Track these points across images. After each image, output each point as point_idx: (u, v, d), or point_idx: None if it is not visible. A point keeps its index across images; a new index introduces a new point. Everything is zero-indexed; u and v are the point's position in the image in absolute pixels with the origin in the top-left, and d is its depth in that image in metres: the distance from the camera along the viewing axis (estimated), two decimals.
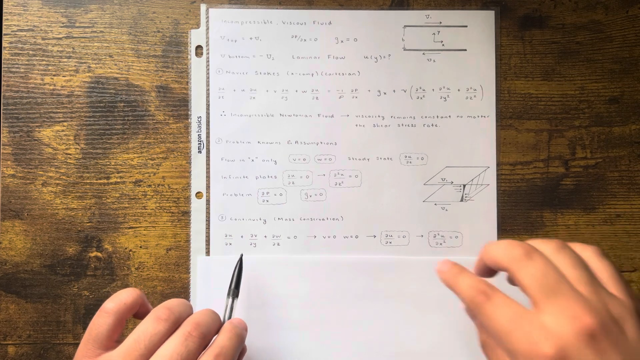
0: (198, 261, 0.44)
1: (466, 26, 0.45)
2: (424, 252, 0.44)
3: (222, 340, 0.35)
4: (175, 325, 0.34)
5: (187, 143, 0.45)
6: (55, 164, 0.44)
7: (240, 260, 0.42)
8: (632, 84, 0.45)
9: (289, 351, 0.44)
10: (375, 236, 0.45)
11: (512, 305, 0.30)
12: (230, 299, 0.40)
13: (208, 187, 0.45)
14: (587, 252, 0.31)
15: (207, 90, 0.45)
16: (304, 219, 0.44)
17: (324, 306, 0.44)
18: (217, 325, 0.36)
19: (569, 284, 0.29)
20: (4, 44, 0.44)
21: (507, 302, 0.30)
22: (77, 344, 0.44)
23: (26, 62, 0.44)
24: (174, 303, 0.35)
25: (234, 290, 0.40)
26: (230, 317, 0.39)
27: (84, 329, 0.44)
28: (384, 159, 0.45)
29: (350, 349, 0.44)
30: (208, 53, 0.45)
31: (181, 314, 0.35)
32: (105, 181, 0.44)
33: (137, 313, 0.36)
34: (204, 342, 0.34)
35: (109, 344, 0.34)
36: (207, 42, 0.45)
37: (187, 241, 0.45)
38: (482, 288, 0.31)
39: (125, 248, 0.44)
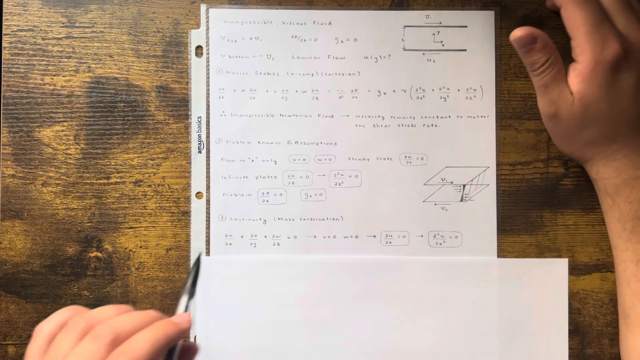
0: None
1: (466, 26, 0.45)
2: (424, 252, 0.45)
3: (135, 336, 0.32)
4: (85, 330, 0.32)
5: (187, 143, 0.45)
6: (55, 164, 0.44)
7: (198, 259, 0.39)
8: None
9: (288, 351, 0.44)
10: (375, 236, 0.45)
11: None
12: (184, 298, 0.37)
13: (208, 187, 0.45)
14: None
15: (207, 90, 0.45)
16: (304, 219, 0.45)
17: (323, 306, 0.44)
18: (135, 324, 0.33)
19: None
20: (4, 44, 0.44)
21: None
22: None
23: (26, 62, 0.44)
24: (95, 309, 0.34)
25: (190, 289, 0.37)
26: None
27: None
28: (384, 159, 0.45)
29: (350, 349, 0.44)
30: (208, 53, 0.45)
31: (94, 318, 0.33)
32: (105, 181, 0.45)
33: None
34: (115, 342, 0.31)
35: None
36: (207, 42, 0.45)
37: (187, 241, 0.45)
38: None
39: (126, 248, 0.44)
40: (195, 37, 0.45)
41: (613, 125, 0.39)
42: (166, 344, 0.33)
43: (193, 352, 0.36)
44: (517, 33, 0.38)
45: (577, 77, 0.39)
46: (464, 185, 0.45)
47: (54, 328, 0.33)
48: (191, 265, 0.40)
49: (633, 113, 0.39)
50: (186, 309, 0.36)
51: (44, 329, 0.34)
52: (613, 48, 0.38)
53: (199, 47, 0.45)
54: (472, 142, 0.45)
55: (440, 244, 0.45)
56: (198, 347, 0.36)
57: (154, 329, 0.32)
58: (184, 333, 0.34)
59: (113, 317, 0.33)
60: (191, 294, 0.37)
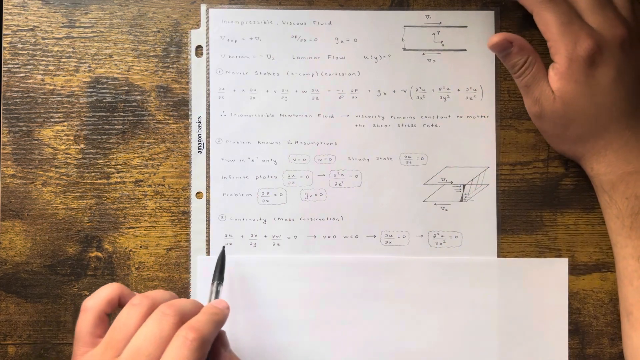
0: (198, 261, 0.44)
1: (466, 26, 0.45)
2: (424, 252, 0.45)
3: (197, 316, 0.34)
4: (150, 309, 0.34)
5: (187, 143, 0.45)
6: (55, 164, 0.44)
7: (223, 251, 0.43)
8: None
9: (288, 351, 0.44)
10: (375, 236, 0.45)
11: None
12: (214, 285, 0.41)
13: (208, 187, 0.45)
14: None
15: (207, 90, 0.45)
16: (304, 219, 0.45)
17: (324, 306, 0.44)
18: (195, 307, 0.35)
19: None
20: (4, 44, 0.44)
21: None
22: None
23: (26, 62, 0.44)
24: (152, 291, 0.36)
25: (218, 276, 0.42)
26: None
27: None
28: (384, 159, 0.45)
29: (350, 349, 0.44)
30: (208, 53, 0.45)
31: (156, 299, 0.35)
32: (106, 181, 0.45)
33: (122, 304, 0.36)
34: (180, 321, 0.34)
35: (93, 341, 0.34)
36: (207, 42, 0.45)
37: (187, 241, 0.45)
38: None
39: (126, 248, 0.44)
40: (196, 37, 0.45)
41: (595, 120, 0.40)
42: (221, 325, 0.36)
43: (223, 337, 0.38)
44: (494, 39, 0.40)
45: (555, 76, 0.40)
46: (464, 185, 0.45)
47: (103, 304, 0.35)
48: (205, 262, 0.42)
49: (614, 107, 0.40)
50: (217, 295, 0.41)
51: (92, 304, 0.35)
52: (586, 44, 0.39)
53: (199, 47, 0.45)
54: (472, 142, 0.45)
55: (440, 244, 0.45)
56: (225, 333, 0.39)
57: (212, 311, 0.35)
58: (227, 317, 0.37)
59: (168, 297, 0.36)
60: (220, 280, 0.42)
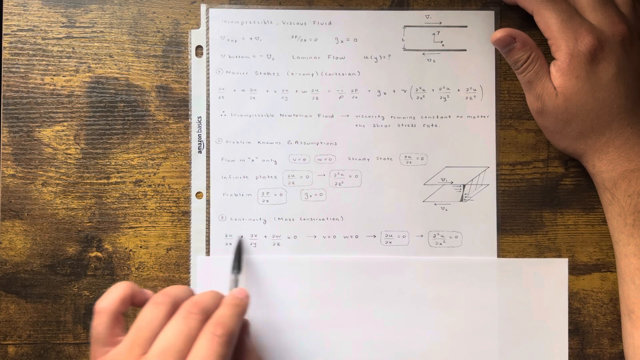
0: (198, 261, 0.44)
1: (466, 26, 0.45)
2: (424, 252, 0.45)
3: (221, 310, 0.35)
4: (174, 307, 0.35)
5: (187, 143, 0.45)
6: (55, 164, 0.44)
7: (240, 241, 0.44)
8: None
9: (288, 351, 0.44)
10: (375, 236, 0.45)
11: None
12: (233, 274, 0.42)
13: (208, 187, 0.45)
14: None
15: (207, 90, 0.45)
16: (304, 219, 0.45)
17: (323, 306, 0.44)
18: (217, 301, 0.36)
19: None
20: (4, 44, 0.44)
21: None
22: (77, 344, 0.44)
23: (26, 62, 0.44)
24: (171, 287, 0.36)
25: (236, 264, 0.42)
26: None
27: (84, 329, 0.44)
28: (384, 159, 0.45)
29: (350, 349, 0.44)
30: (208, 53, 0.45)
31: (178, 296, 0.36)
32: (105, 181, 0.45)
33: (136, 302, 0.37)
34: (205, 318, 0.34)
35: (112, 340, 0.34)
36: (207, 42, 0.45)
37: (187, 241, 0.45)
38: None
39: (126, 248, 0.44)
40: (195, 37, 0.45)
41: (597, 116, 0.40)
42: (244, 315, 0.36)
43: (247, 326, 0.39)
44: (497, 35, 0.41)
45: (557, 72, 0.40)
46: (464, 185, 0.45)
47: (117, 304, 0.35)
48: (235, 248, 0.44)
49: (615, 104, 0.40)
50: (236, 284, 0.41)
51: (105, 305, 0.35)
52: (587, 40, 0.39)
53: (199, 47, 0.45)
54: (472, 142, 0.45)
55: (440, 244, 0.45)
56: (249, 322, 0.40)
57: (234, 304, 0.36)
58: (248, 305, 0.37)
59: (189, 295, 0.36)
60: (238, 269, 0.42)
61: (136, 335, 0.33)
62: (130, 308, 0.37)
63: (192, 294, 0.37)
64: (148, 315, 0.34)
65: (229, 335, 0.33)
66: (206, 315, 0.34)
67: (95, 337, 0.35)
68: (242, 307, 0.36)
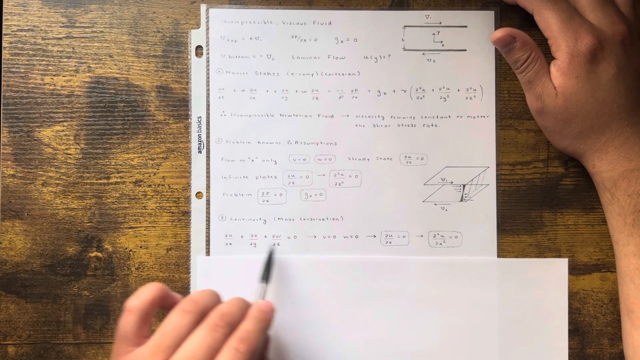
0: (198, 261, 0.44)
1: (466, 26, 0.45)
2: (424, 252, 0.45)
3: (246, 325, 0.35)
4: (200, 316, 0.35)
5: (187, 143, 0.45)
6: (55, 164, 0.44)
7: (271, 251, 0.44)
8: None
9: (288, 351, 0.44)
10: (375, 236, 0.45)
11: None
12: (262, 285, 0.41)
13: (208, 187, 0.45)
14: None
15: (207, 90, 0.45)
16: (304, 219, 0.45)
17: (323, 306, 0.44)
18: (243, 312, 0.36)
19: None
20: (4, 44, 0.44)
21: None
22: (77, 344, 0.44)
23: (26, 62, 0.44)
24: (199, 294, 0.37)
25: (265, 274, 0.42)
26: None
27: (84, 329, 0.44)
28: (384, 159, 0.45)
29: (349, 349, 0.44)
30: (208, 53, 0.45)
31: (207, 305, 0.36)
32: (105, 181, 0.45)
33: (164, 305, 0.37)
34: (230, 331, 0.35)
35: (138, 341, 0.35)
36: (207, 42, 0.45)
37: (187, 241, 0.45)
38: None
39: (126, 248, 0.44)
40: (195, 37, 0.45)
41: (597, 116, 0.40)
42: (267, 330, 0.37)
43: (268, 341, 0.40)
44: (497, 34, 0.41)
45: (557, 72, 0.40)
46: (464, 185, 0.45)
47: (148, 305, 0.36)
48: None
49: (615, 103, 0.40)
50: (263, 295, 0.41)
51: (136, 305, 0.36)
52: (587, 40, 0.39)
53: (199, 47, 0.45)
54: (472, 142, 0.45)
55: (440, 244, 0.45)
56: (270, 337, 0.40)
57: (259, 318, 0.36)
58: (273, 320, 0.38)
59: (216, 302, 0.37)
60: (267, 280, 0.42)
61: (160, 340, 0.34)
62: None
63: (219, 300, 0.37)
64: (175, 322, 0.35)
65: (251, 352, 0.34)
66: (231, 328, 0.35)
67: (121, 334, 0.35)
68: (267, 322, 0.37)
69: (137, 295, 0.36)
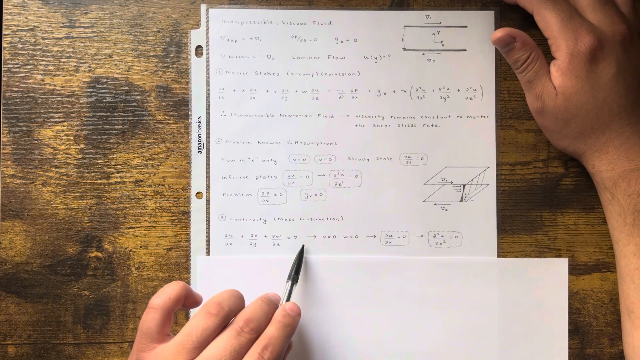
0: (198, 261, 0.44)
1: (466, 26, 0.45)
2: (424, 252, 0.45)
3: (271, 331, 0.36)
4: (225, 319, 0.36)
5: (187, 143, 0.45)
6: (55, 164, 0.44)
7: (302, 250, 0.44)
8: None
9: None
10: (375, 236, 0.45)
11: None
12: (289, 284, 0.41)
13: (208, 187, 0.45)
14: None
15: (207, 90, 0.45)
16: (304, 219, 0.45)
17: (323, 306, 0.44)
18: (269, 316, 0.37)
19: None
20: (4, 44, 0.44)
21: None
22: (77, 344, 0.44)
23: (26, 62, 0.44)
24: (224, 296, 0.37)
25: (294, 276, 0.42)
26: (287, 301, 0.40)
27: (84, 329, 0.44)
28: (384, 159, 0.45)
29: (350, 349, 0.44)
30: (208, 53, 0.45)
31: (231, 308, 0.37)
32: (105, 181, 0.45)
33: (185, 304, 0.38)
34: (256, 336, 0.36)
35: (161, 337, 0.36)
36: (207, 42, 0.45)
37: (187, 241, 0.45)
38: None
39: (126, 248, 0.44)
40: (195, 37, 0.45)
41: (597, 116, 0.40)
42: (292, 334, 0.37)
43: (290, 347, 0.40)
44: (497, 34, 0.41)
45: (557, 72, 0.40)
46: (464, 185, 0.45)
47: (172, 303, 0.37)
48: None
49: (615, 103, 0.40)
50: (290, 294, 0.41)
51: (160, 302, 0.37)
52: (587, 40, 0.39)
53: (199, 47, 0.45)
54: (472, 142, 0.45)
55: (440, 244, 0.45)
56: (292, 344, 0.41)
57: (285, 324, 0.37)
58: (298, 324, 0.38)
59: (240, 305, 0.37)
60: (295, 280, 0.42)
61: (185, 340, 0.35)
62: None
63: (243, 302, 0.38)
64: (200, 324, 0.35)
65: (275, 359, 0.35)
66: (257, 334, 0.36)
67: (144, 331, 0.36)
68: (293, 327, 0.37)
69: (160, 293, 0.37)
